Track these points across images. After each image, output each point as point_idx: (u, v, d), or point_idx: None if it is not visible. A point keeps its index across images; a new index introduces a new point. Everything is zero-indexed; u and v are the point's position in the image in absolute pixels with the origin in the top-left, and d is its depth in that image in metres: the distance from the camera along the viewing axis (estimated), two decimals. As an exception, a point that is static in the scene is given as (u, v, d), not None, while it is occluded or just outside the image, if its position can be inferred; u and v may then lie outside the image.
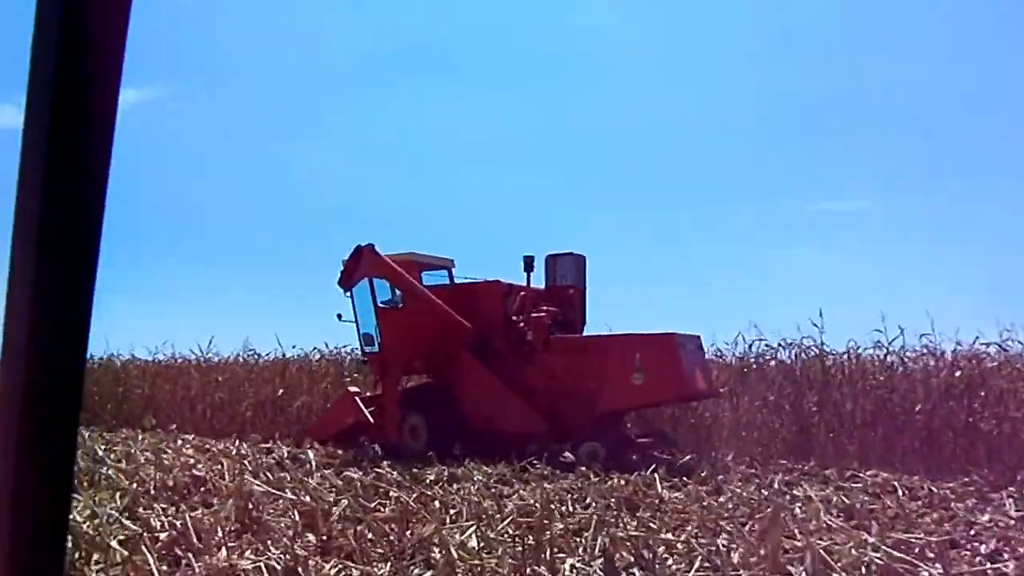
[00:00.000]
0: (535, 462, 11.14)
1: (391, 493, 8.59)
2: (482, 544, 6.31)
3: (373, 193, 38.89)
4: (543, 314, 13.12)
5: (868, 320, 13.77)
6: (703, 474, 10.45)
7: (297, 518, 7.03)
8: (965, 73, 30.22)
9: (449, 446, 12.25)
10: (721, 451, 13.04)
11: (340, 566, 5.70)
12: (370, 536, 6.60)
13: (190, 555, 5.85)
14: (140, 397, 19.51)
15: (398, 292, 13.80)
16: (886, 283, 23.68)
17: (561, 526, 7.04)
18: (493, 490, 9.55)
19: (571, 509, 8.11)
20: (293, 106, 41.30)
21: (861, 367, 13.68)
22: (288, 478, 9.55)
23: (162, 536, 6.09)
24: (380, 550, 6.19)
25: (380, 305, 13.75)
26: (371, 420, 13.54)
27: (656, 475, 9.94)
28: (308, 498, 7.91)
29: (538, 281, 13.69)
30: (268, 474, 9.63)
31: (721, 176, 34.59)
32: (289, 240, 39.31)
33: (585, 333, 13.82)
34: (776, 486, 9.92)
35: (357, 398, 14.16)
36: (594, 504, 8.55)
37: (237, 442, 13.23)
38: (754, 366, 14.36)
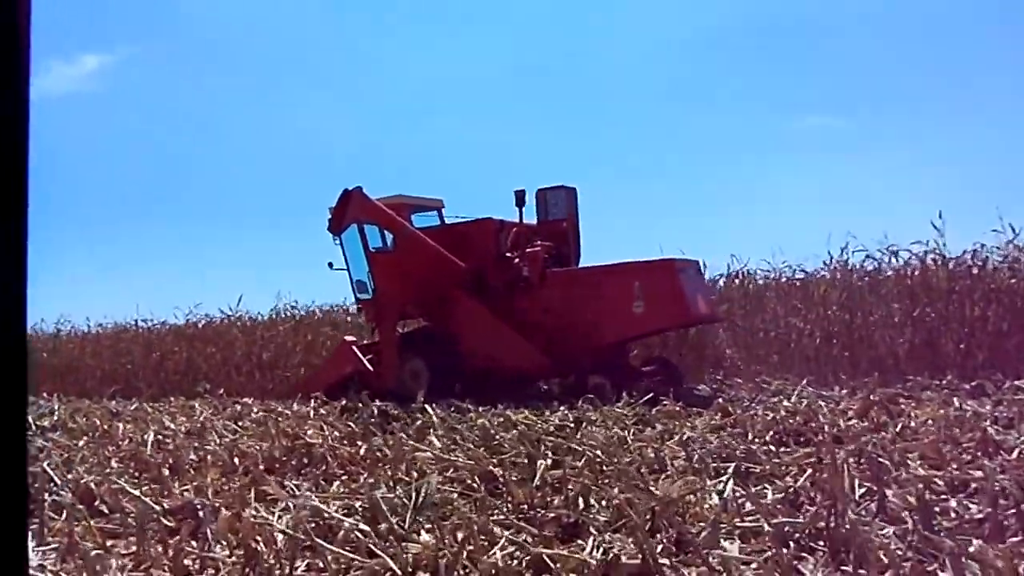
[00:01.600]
0: (663, 399, 10.05)
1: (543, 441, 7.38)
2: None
3: (356, 138, 37.84)
4: (538, 248, 12.81)
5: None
6: (871, 398, 9.30)
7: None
8: None
9: (450, 388, 11.71)
10: (833, 371, 12.07)
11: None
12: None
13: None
14: (177, 363, 18.22)
15: (388, 236, 13.57)
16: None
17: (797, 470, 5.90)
18: (638, 431, 8.36)
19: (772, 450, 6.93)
20: (270, 55, 40.01)
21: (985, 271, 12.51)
22: (404, 438, 8.32)
23: (346, 522, 4.83)
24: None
25: (371, 250, 13.58)
26: (370, 368, 13.40)
27: (821, 403, 8.81)
28: (464, 458, 6.71)
29: (529, 216, 13.44)
30: (387, 436, 8.40)
31: (708, 96, 34.18)
32: (279, 192, 38.31)
33: (579, 266, 13.50)
34: (957, 404, 8.77)
35: (354, 347, 13.97)
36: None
37: (312, 403, 11.90)
38: (866, 279, 13.20)
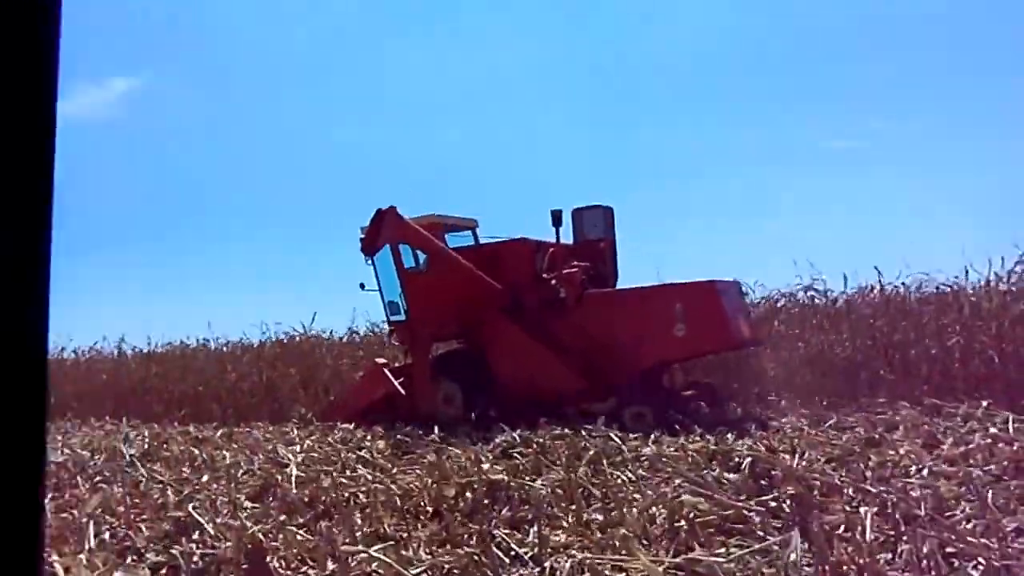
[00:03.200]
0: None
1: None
2: None
3: (385, 157, 37.33)
4: (575, 269, 12.21)
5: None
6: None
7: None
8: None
9: (486, 412, 11.25)
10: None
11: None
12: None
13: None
14: (255, 384, 17.04)
15: (422, 256, 12.97)
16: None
17: None
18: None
19: None
20: (293, 74, 39.57)
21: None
22: (588, 472, 6.98)
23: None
24: None
25: (405, 271, 13.07)
26: (402, 392, 12.96)
27: None
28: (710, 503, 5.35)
29: (566, 237, 12.82)
30: (566, 472, 7.05)
31: (738, 115, 33.53)
32: (300, 212, 37.78)
33: (618, 287, 12.93)
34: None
35: (386, 370, 13.44)
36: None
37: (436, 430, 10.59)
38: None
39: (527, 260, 12.62)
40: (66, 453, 10.16)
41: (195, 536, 5.31)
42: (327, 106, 39.92)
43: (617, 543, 4.63)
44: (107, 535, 5.24)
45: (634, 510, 5.16)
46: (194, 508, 5.72)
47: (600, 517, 5.60)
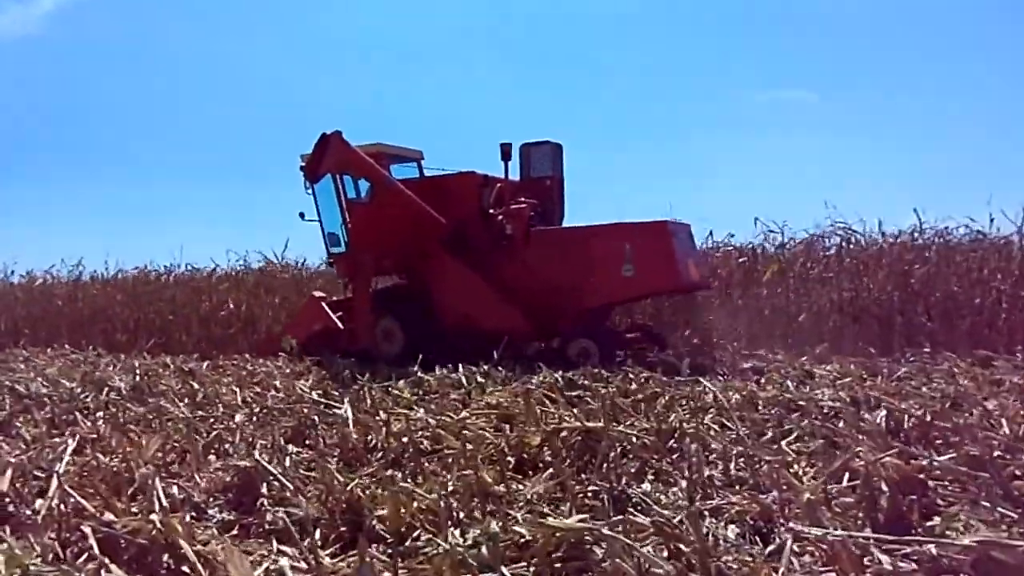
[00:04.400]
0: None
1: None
2: None
3: (332, 86, 36.29)
4: (523, 206, 12.02)
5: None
6: None
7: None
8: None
9: (426, 348, 10.56)
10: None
11: None
12: None
13: None
14: (231, 314, 15.95)
15: (364, 186, 12.75)
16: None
17: None
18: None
19: None
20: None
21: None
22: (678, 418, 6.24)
23: None
24: None
25: (347, 201, 12.79)
26: (340, 325, 12.77)
27: None
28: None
29: (513, 173, 12.45)
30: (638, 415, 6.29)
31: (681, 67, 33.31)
32: (244, 141, 36.61)
33: (564, 225, 12.77)
34: None
35: (324, 303, 13.29)
36: None
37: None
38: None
39: (474, 194, 12.29)
40: (46, 384, 9.12)
41: (264, 490, 4.45)
42: (270, 31, 38.09)
43: (799, 511, 3.90)
44: (175, 488, 4.32)
45: (808, 470, 4.39)
46: (259, 455, 4.81)
47: (717, 474, 4.90)
